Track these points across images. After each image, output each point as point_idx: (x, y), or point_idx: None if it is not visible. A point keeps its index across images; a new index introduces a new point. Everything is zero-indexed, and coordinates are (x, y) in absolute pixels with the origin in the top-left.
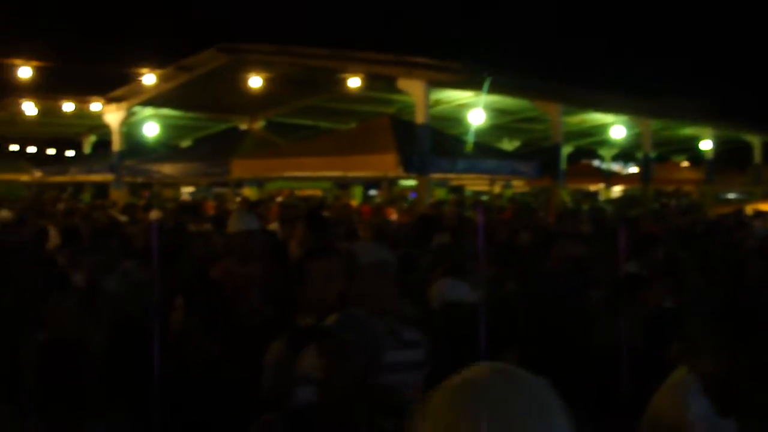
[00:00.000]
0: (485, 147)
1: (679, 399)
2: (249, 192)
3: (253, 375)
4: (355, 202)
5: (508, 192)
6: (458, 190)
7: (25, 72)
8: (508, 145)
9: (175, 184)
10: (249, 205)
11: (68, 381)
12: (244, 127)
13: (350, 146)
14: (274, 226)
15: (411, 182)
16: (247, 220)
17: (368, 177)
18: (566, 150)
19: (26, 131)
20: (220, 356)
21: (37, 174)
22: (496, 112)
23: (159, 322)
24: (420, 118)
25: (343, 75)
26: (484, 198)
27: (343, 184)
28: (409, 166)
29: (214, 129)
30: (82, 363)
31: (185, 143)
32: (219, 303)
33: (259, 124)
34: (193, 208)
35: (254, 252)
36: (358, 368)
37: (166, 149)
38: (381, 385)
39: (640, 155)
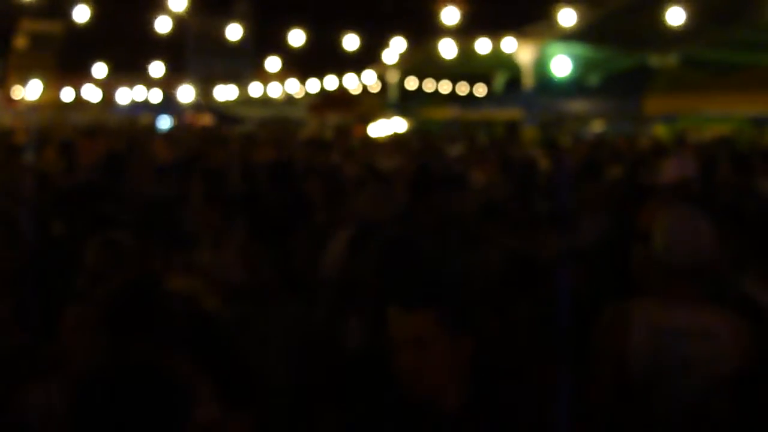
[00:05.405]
0: None
1: None
2: (660, 130)
3: None
4: None
5: None
6: None
7: (450, 14)
8: None
9: (583, 120)
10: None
11: None
12: (654, 61)
13: None
14: None
15: None
16: (684, 165)
17: None
18: None
19: (440, 70)
20: None
21: (454, 112)
22: None
23: None
24: None
25: None
26: None
27: (760, 122)
28: None
29: (623, 65)
30: None
31: (593, 79)
32: None
33: (671, 59)
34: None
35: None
36: None
37: (574, 86)
38: None
39: None
